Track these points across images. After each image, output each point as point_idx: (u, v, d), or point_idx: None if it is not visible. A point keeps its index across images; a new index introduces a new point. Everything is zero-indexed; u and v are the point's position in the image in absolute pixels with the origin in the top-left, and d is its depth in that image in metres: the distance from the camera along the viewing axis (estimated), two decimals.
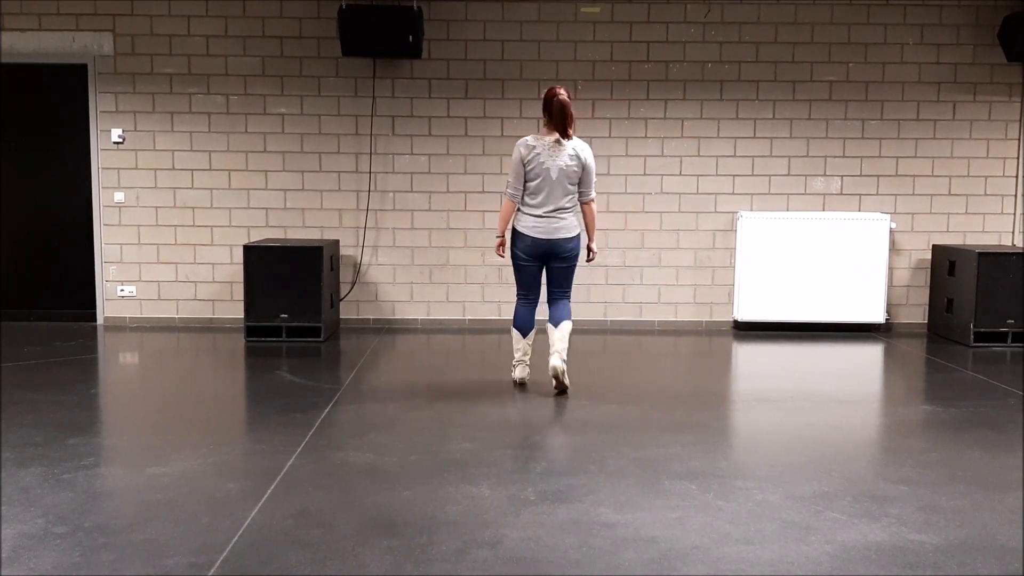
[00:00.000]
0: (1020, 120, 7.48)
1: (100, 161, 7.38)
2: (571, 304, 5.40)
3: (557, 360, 5.10)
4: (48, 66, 7.34)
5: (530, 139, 5.14)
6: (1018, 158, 7.53)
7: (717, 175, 7.48)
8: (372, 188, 7.44)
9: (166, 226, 7.46)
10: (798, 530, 3.20)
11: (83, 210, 7.46)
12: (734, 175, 7.49)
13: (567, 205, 5.15)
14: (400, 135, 7.42)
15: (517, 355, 5.38)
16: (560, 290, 5.32)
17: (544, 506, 3.41)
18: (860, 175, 7.51)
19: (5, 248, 7.54)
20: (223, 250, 7.48)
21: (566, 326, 5.23)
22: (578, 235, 5.22)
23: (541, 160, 5.07)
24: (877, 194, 7.53)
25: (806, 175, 7.52)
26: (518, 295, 5.37)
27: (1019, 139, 7.51)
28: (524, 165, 5.10)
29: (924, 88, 7.45)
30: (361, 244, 7.50)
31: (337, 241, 7.39)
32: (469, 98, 7.39)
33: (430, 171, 7.45)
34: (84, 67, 7.31)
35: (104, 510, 3.34)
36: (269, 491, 3.55)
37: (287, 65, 7.34)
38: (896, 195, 7.54)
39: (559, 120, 5.04)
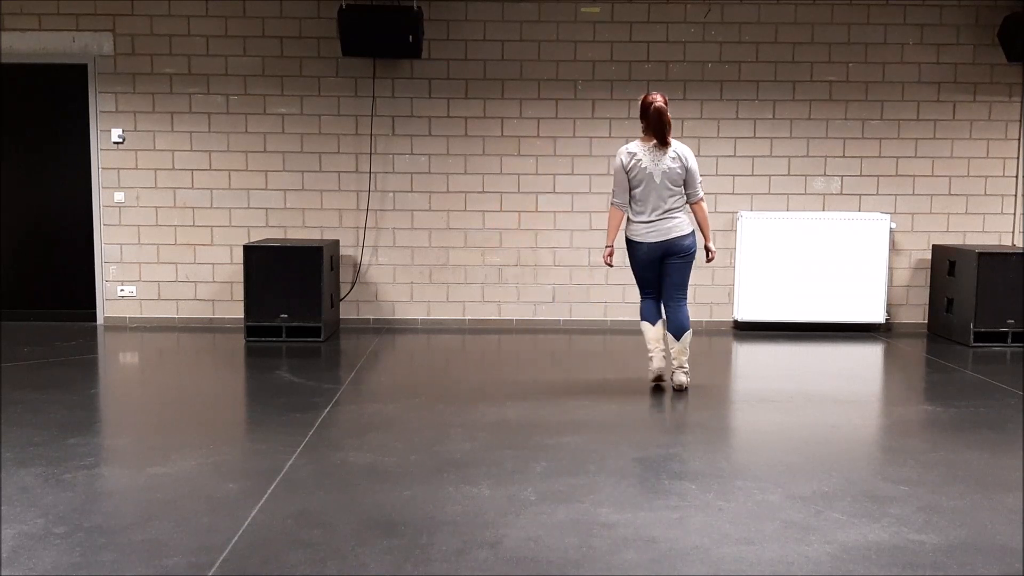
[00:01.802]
0: (1020, 120, 7.48)
1: (100, 161, 7.38)
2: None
3: (682, 376, 5.31)
4: (48, 66, 7.34)
5: (631, 146, 5.20)
6: (1018, 158, 7.53)
7: (717, 175, 7.47)
8: (372, 188, 7.44)
9: (166, 226, 7.46)
10: (798, 530, 3.20)
11: (83, 210, 7.46)
12: (734, 175, 7.49)
13: (676, 206, 5.16)
14: (400, 135, 7.42)
15: (650, 345, 5.34)
16: (676, 291, 5.30)
17: (544, 506, 3.41)
18: (860, 175, 7.51)
19: (5, 248, 7.54)
20: (223, 250, 7.48)
21: (687, 337, 5.33)
22: (692, 232, 5.21)
23: (643, 166, 5.10)
24: (877, 194, 7.53)
25: (806, 175, 7.52)
26: (640, 294, 5.40)
27: (1019, 139, 7.51)
28: (627, 173, 5.15)
29: (924, 88, 7.45)
30: (361, 244, 7.50)
31: (337, 241, 7.39)
32: (469, 98, 7.39)
33: (430, 171, 7.45)
34: (84, 67, 7.30)
35: (104, 510, 3.34)
36: (269, 491, 3.55)
37: (287, 65, 7.34)
38: (896, 195, 7.54)
39: (656, 127, 5.07)
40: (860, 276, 7.37)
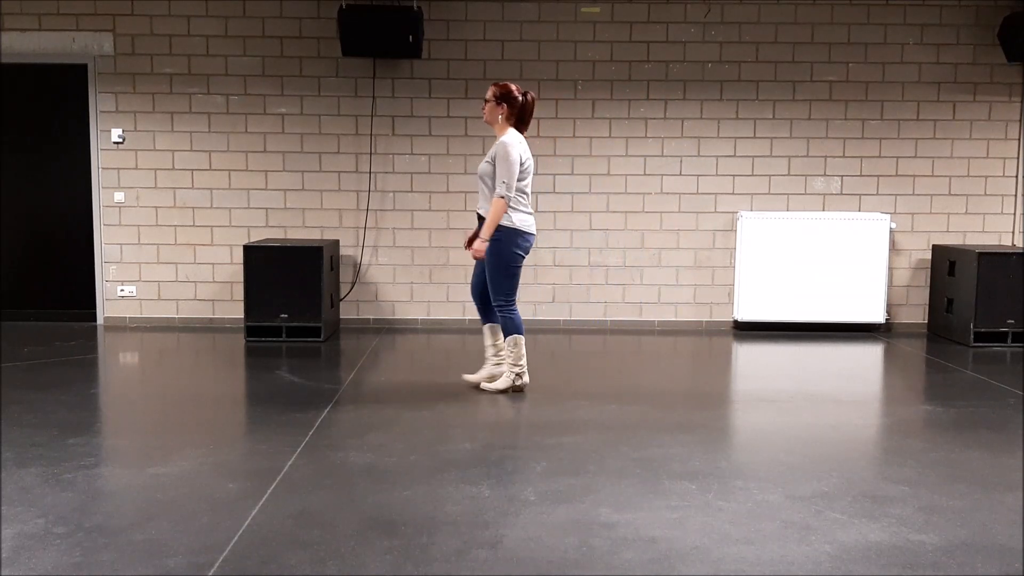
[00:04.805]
0: (1020, 120, 7.48)
1: (100, 161, 7.38)
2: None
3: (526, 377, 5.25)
4: (48, 66, 7.34)
5: (517, 137, 5.00)
6: (1018, 158, 7.53)
7: (717, 175, 7.48)
8: (372, 188, 7.44)
9: (166, 226, 7.46)
10: (798, 530, 3.20)
11: (83, 210, 7.46)
12: (734, 175, 7.49)
13: None
14: (400, 135, 7.42)
15: (522, 361, 5.20)
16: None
17: (544, 506, 3.41)
18: (860, 175, 7.51)
19: (5, 248, 7.54)
20: (223, 250, 7.48)
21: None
22: None
23: (528, 159, 5.02)
24: (877, 194, 7.53)
25: (806, 175, 7.52)
26: (511, 300, 5.09)
27: (1019, 139, 7.51)
28: (521, 166, 5.00)
29: (924, 88, 7.45)
30: (361, 244, 7.50)
31: (337, 241, 7.39)
32: (469, 98, 7.39)
33: (430, 171, 7.45)
34: (84, 67, 7.31)
35: (104, 510, 3.34)
36: (269, 491, 3.55)
37: (287, 65, 7.34)
38: (896, 195, 7.54)
39: (528, 118, 5.06)
40: (860, 276, 7.37)
